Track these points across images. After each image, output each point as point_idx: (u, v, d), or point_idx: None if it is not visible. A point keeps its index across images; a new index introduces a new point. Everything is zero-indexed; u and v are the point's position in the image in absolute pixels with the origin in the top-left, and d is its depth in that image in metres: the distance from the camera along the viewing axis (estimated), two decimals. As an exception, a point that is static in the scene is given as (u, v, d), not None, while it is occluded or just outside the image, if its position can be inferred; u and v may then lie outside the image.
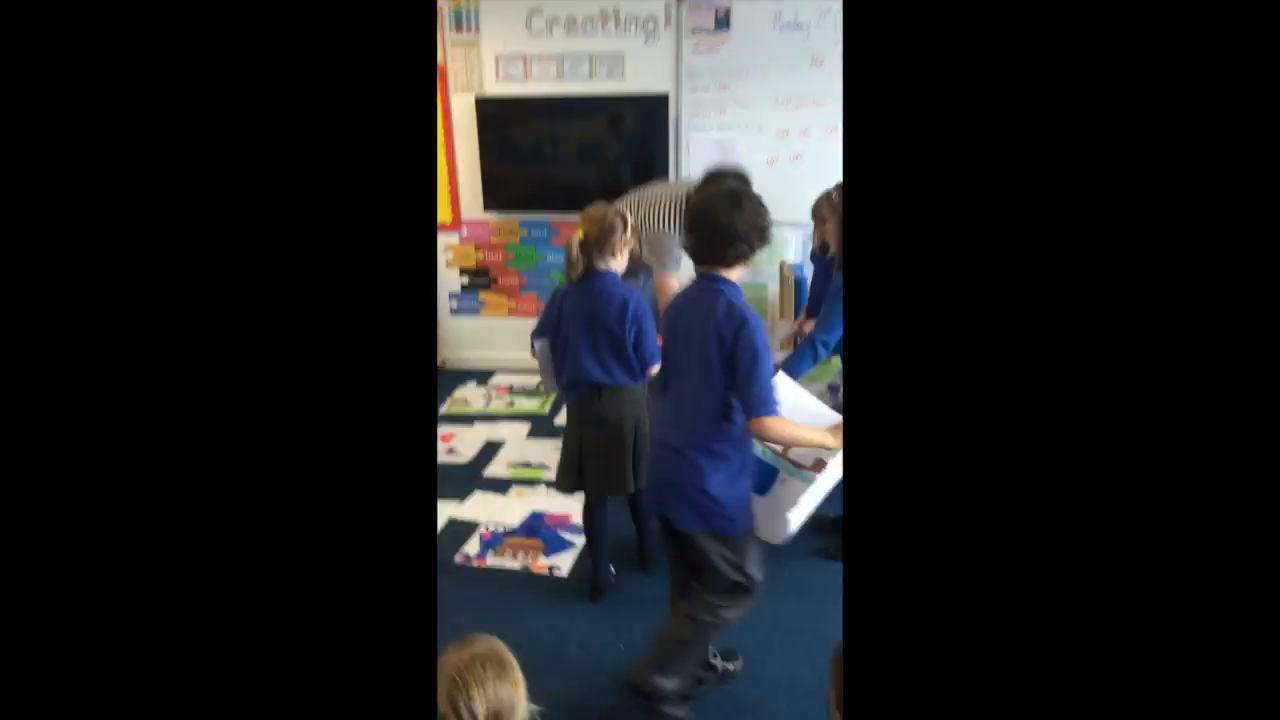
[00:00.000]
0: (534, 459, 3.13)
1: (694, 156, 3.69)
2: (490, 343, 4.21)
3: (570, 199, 3.74)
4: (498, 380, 4.01)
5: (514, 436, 3.35)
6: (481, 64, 3.74)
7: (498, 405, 3.67)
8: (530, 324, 2.64)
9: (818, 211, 2.74)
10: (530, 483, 2.95)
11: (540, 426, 3.45)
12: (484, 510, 2.77)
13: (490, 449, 3.22)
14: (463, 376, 3.99)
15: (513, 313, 4.18)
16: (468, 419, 3.51)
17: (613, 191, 3.43)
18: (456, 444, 3.28)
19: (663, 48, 3.58)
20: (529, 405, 3.66)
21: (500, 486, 2.93)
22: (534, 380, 3.71)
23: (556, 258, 4.01)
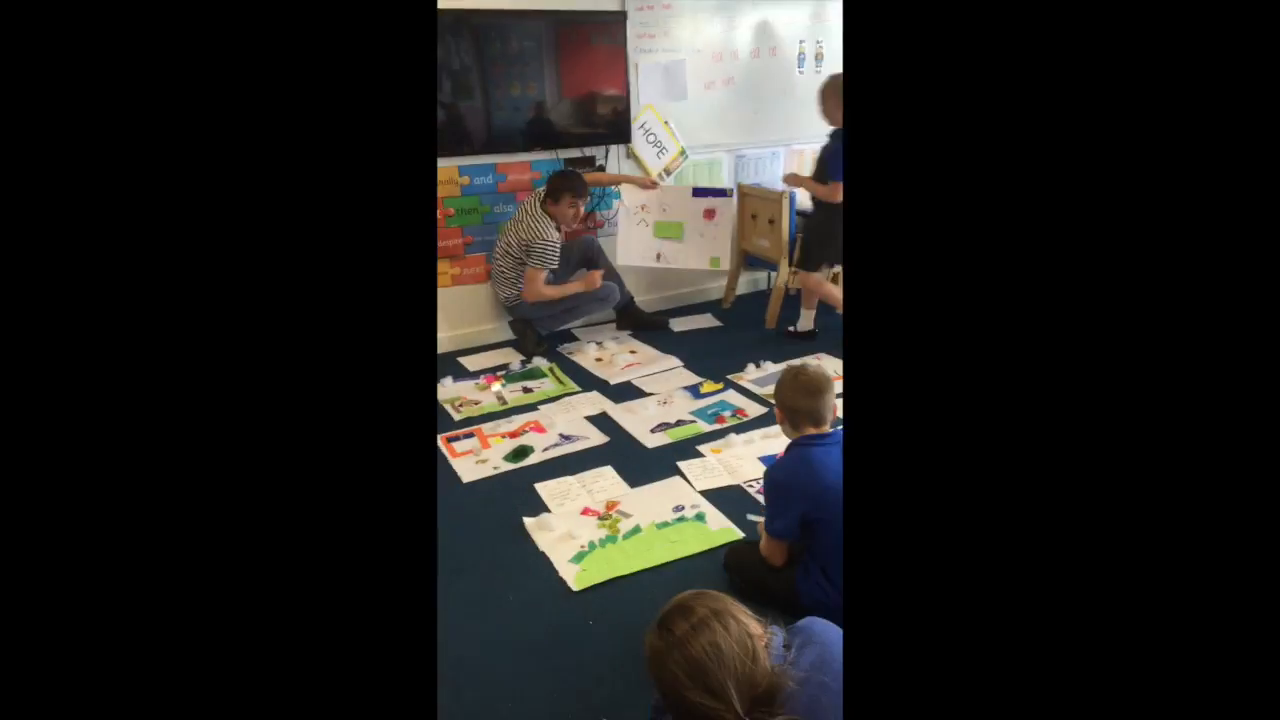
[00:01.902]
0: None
1: (643, 80, 3.49)
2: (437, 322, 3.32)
3: (521, 136, 3.21)
4: (468, 363, 3.22)
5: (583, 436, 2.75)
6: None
7: (513, 398, 2.90)
8: (483, 290, 3.05)
9: (820, 95, 3.00)
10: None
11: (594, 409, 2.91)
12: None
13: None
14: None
15: (457, 281, 3.36)
16: (479, 420, 2.74)
17: (568, 131, 3.17)
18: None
19: (606, -41, 3.26)
20: (547, 388, 2.98)
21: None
22: (514, 357, 3.24)
23: (507, 208, 3.36)
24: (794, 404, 1.65)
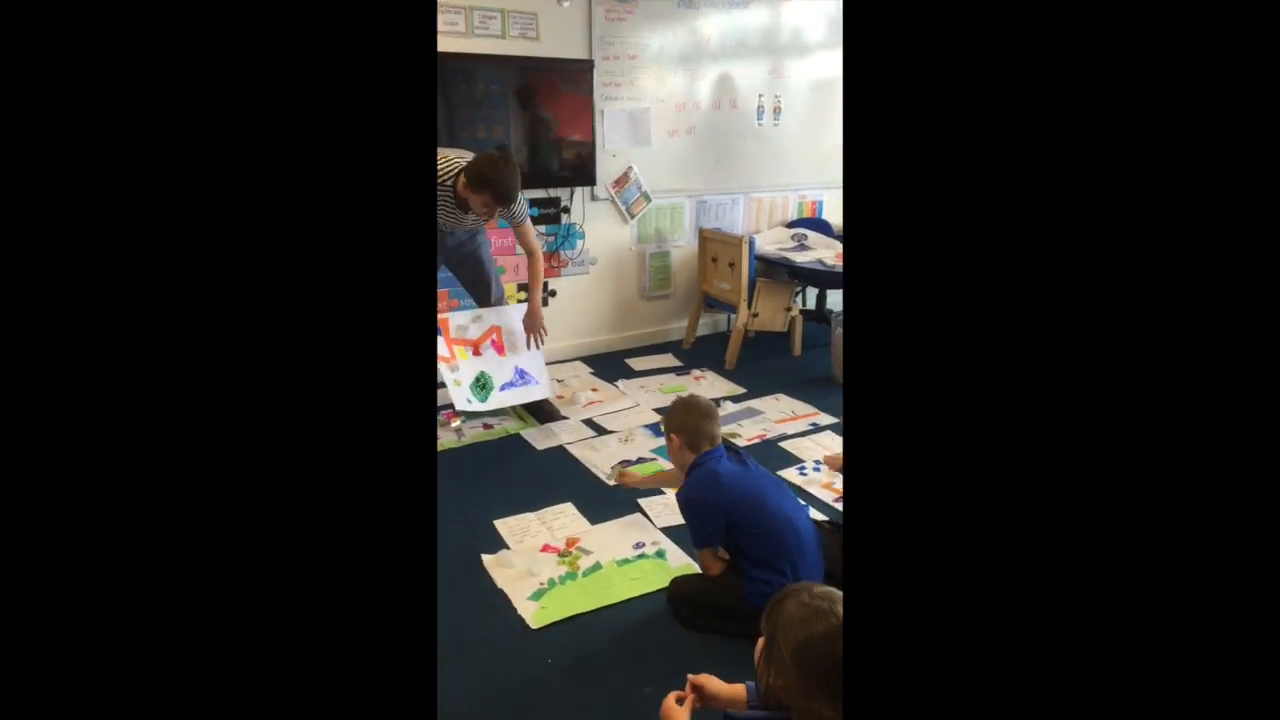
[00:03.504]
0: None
1: (609, 127, 3.59)
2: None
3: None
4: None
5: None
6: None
7: (472, 434, 2.87)
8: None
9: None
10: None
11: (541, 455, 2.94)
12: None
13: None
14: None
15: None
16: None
17: (531, 172, 3.19)
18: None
19: (573, 11, 3.38)
20: (508, 424, 2.95)
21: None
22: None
23: (471, 248, 3.37)
24: (696, 426, 1.85)
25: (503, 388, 2.78)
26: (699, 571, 1.91)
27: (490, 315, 2.85)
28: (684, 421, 1.87)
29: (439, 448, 2.77)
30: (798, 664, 0.96)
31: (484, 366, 2.76)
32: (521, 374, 2.62)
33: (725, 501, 1.77)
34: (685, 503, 1.85)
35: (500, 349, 2.75)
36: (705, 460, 1.84)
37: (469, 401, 2.70)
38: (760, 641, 1.05)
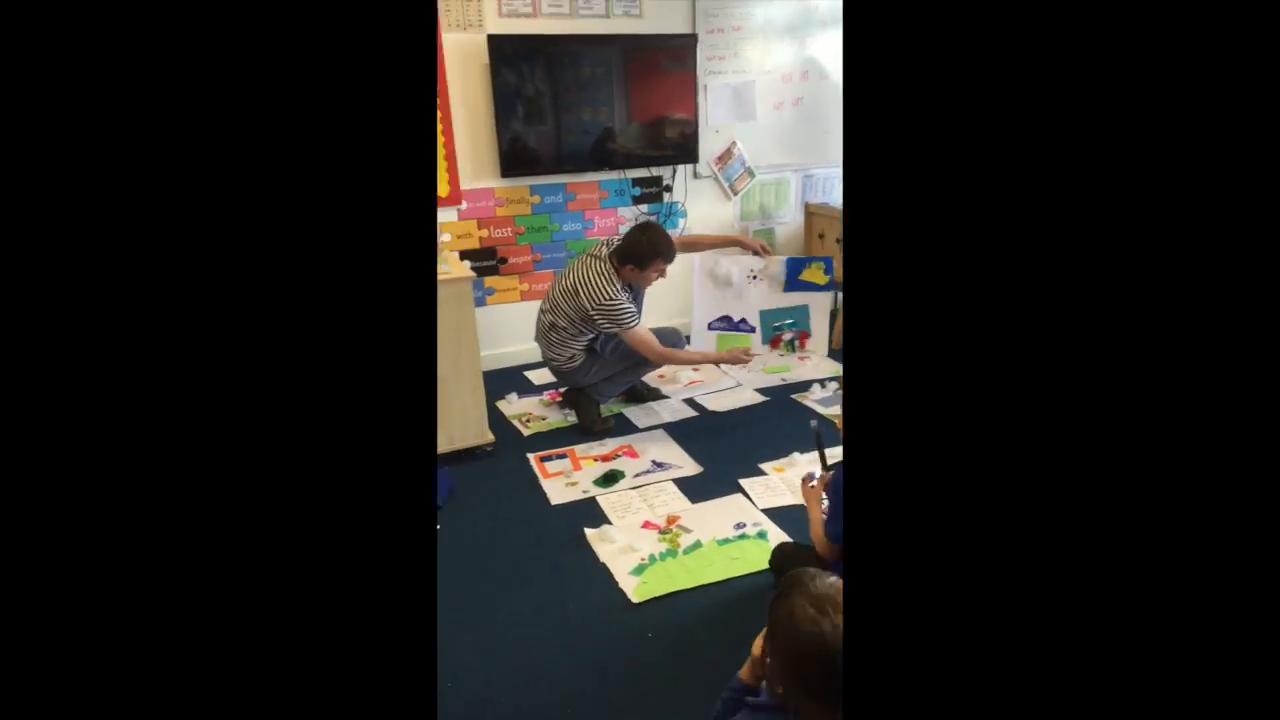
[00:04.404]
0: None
1: (712, 102, 3.53)
2: (502, 337, 3.41)
3: (589, 158, 3.27)
4: (534, 377, 3.28)
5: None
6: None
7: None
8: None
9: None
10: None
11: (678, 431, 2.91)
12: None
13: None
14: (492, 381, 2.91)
15: (525, 296, 3.45)
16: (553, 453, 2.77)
17: (635, 153, 3.13)
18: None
19: (676, -16, 3.33)
20: (611, 404, 2.94)
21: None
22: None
23: (574, 226, 3.44)
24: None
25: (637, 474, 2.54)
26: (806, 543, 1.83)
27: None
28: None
29: (549, 427, 2.84)
30: (784, 659, 1.01)
31: (615, 466, 2.55)
32: (659, 465, 2.53)
33: None
34: (835, 485, 1.67)
35: (633, 454, 2.60)
36: None
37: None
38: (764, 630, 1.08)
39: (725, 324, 3.14)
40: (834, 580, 1.03)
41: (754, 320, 3.13)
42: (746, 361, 2.81)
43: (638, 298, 2.75)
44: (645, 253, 2.57)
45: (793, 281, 3.08)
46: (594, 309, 2.57)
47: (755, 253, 3.03)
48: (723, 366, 3.28)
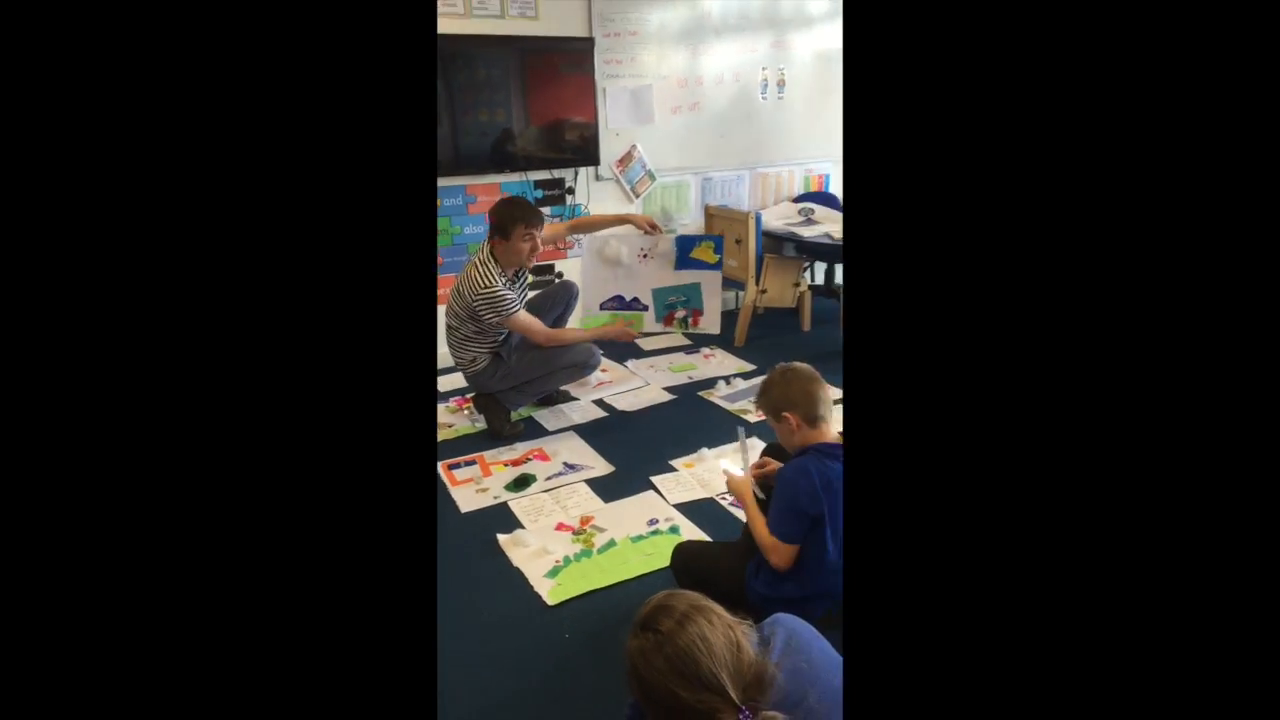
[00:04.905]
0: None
1: (611, 105, 3.57)
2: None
3: (487, 159, 3.24)
4: (441, 383, 3.20)
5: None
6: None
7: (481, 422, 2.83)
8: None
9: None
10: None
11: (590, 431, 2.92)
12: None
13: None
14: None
15: (428, 307, 3.35)
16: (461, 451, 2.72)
17: (535, 155, 3.13)
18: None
19: (571, -12, 3.34)
20: (521, 408, 2.88)
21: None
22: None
23: (476, 229, 3.38)
24: (809, 393, 1.55)
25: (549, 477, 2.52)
26: (704, 539, 1.84)
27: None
28: (782, 395, 1.56)
29: (455, 434, 2.78)
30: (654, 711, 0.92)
31: (526, 470, 2.55)
32: (570, 466, 2.53)
33: (815, 507, 1.51)
34: (784, 483, 1.58)
35: (544, 457, 2.60)
36: (823, 453, 1.54)
37: None
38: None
39: (617, 303, 3.16)
40: (690, 606, 0.90)
41: (646, 299, 3.14)
42: (632, 336, 2.93)
43: (521, 285, 2.74)
44: (504, 221, 2.56)
45: (684, 259, 3.12)
46: (474, 299, 2.56)
47: (645, 230, 3.02)
48: (629, 365, 3.30)
